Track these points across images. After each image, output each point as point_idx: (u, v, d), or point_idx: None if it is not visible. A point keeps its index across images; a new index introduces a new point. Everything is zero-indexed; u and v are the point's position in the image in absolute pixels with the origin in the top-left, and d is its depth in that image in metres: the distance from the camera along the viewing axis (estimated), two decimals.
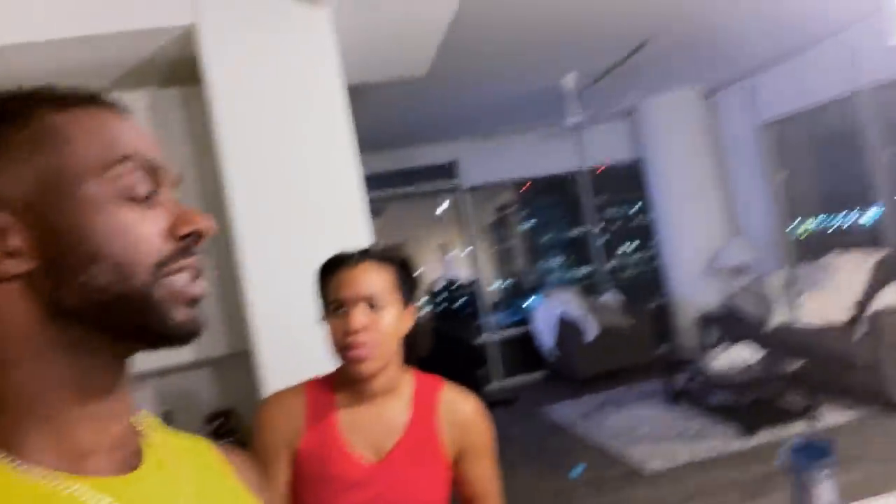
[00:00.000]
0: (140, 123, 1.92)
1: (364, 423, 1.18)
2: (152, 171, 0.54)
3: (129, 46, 2.10)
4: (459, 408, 1.24)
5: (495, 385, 6.70)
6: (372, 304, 1.15)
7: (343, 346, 1.14)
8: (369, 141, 5.80)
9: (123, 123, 0.54)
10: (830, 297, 4.72)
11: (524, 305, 7.57)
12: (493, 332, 7.01)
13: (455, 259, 8.83)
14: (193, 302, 0.54)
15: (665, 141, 6.39)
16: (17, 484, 0.47)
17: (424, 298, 8.86)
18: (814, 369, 4.14)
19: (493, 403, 5.92)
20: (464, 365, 6.19)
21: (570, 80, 4.80)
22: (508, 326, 7.24)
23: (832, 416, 4.05)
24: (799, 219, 5.99)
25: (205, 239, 0.55)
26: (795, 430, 3.96)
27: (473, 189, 7.07)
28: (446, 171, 6.91)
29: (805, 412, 4.07)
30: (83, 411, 0.51)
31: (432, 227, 8.95)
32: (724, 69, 5.66)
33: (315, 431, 1.17)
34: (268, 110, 2.15)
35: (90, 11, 1.97)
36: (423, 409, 1.22)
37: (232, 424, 2.29)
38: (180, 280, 0.53)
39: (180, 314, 0.52)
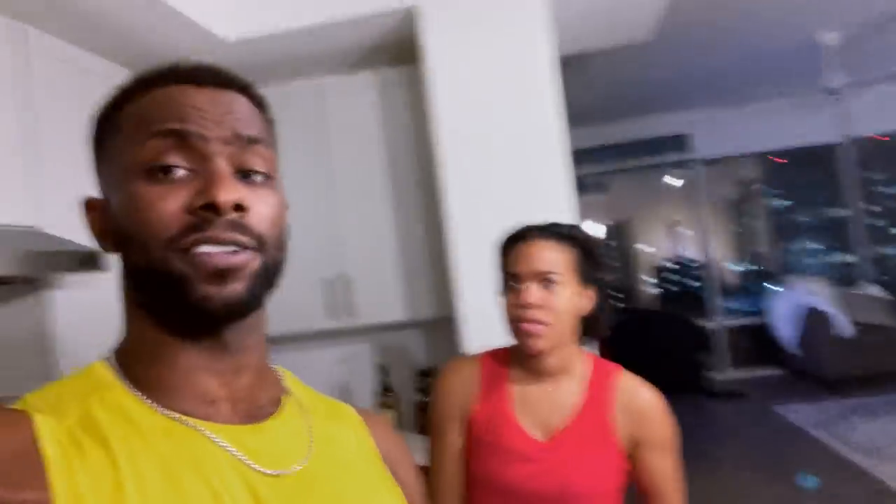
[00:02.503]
0: (367, 102, 2.06)
1: (535, 400, 1.18)
2: (184, 142, 0.53)
3: (355, 31, 2.30)
4: (637, 396, 1.18)
5: (722, 375, 6.19)
6: (547, 282, 1.13)
7: (515, 320, 1.15)
8: (596, 112, 5.67)
9: (171, 99, 0.54)
10: None
11: (764, 292, 6.83)
12: (724, 318, 6.46)
13: (686, 237, 8.26)
14: (219, 276, 0.52)
15: None
16: (147, 419, 0.53)
17: (652, 278, 8.46)
18: None
19: (717, 394, 5.50)
20: (686, 347, 5.81)
21: (828, 36, 4.13)
22: (744, 314, 6.61)
23: None
24: None
25: (225, 211, 0.51)
26: None
27: (709, 162, 6.52)
28: (678, 142, 6.46)
29: None
30: (194, 366, 0.55)
31: (662, 202, 8.46)
32: None
33: (488, 401, 1.19)
34: (480, 85, 2.21)
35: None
36: (598, 393, 1.18)
37: None
38: (202, 254, 0.51)
39: (203, 289, 0.51)
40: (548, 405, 1.17)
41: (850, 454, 3.86)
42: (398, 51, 2.48)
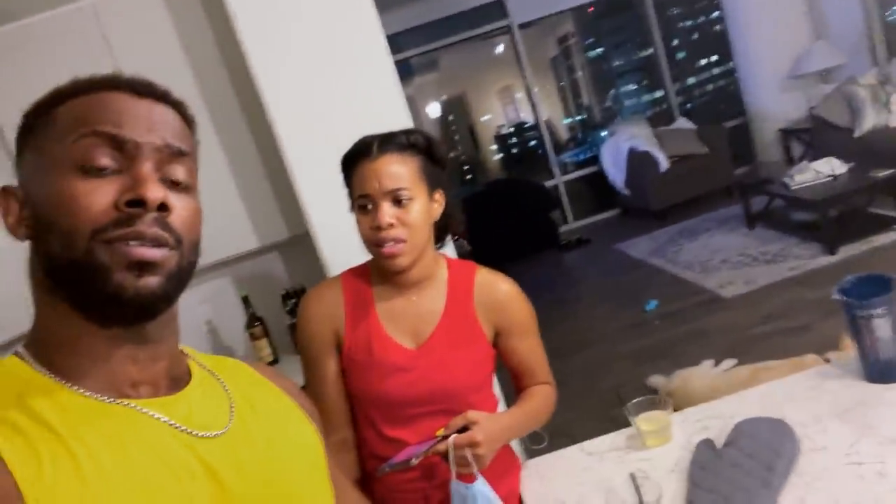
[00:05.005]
0: (156, 18, 1.83)
1: (402, 312, 1.21)
2: (117, 145, 0.56)
3: None
4: (494, 288, 1.24)
5: (567, 227, 6.69)
6: (399, 198, 1.12)
7: (373, 241, 1.14)
8: None
9: (109, 104, 0.57)
10: None
11: (597, 141, 7.30)
12: (562, 174, 6.89)
13: (519, 101, 8.51)
14: (138, 267, 0.54)
15: None
16: (80, 402, 0.55)
17: (494, 146, 8.73)
18: None
19: (568, 245, 5.97)
20: (537, 209, 6.18)
21: None
22: (582, 164, 7.07)
23: None
24: (893, 7, 5.28)
25: (150, 208, 0.55)
26: (883, 241, 3.78)
27: (527, 24, 6.63)
28: (496, 9, 6.47)
29: (895, 222, 3.85)
30: (115, 355, 0.58)
31: (492, 70, 8.56)
32: None
33: (356, 322, 1.20)
34: None
35: None
36: (459, 293, 1.22)
37: None
38: (124, 246, 0.54)
39: (120, 277, 0.54)
40: (414, 314, 1.20)
41: (681, 272, 4.42)
42: None
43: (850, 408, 1.14)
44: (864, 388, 1.19)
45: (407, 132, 1.20)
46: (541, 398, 1.27)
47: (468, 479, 1.04)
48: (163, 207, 0.56)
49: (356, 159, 1.16)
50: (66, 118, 0.57)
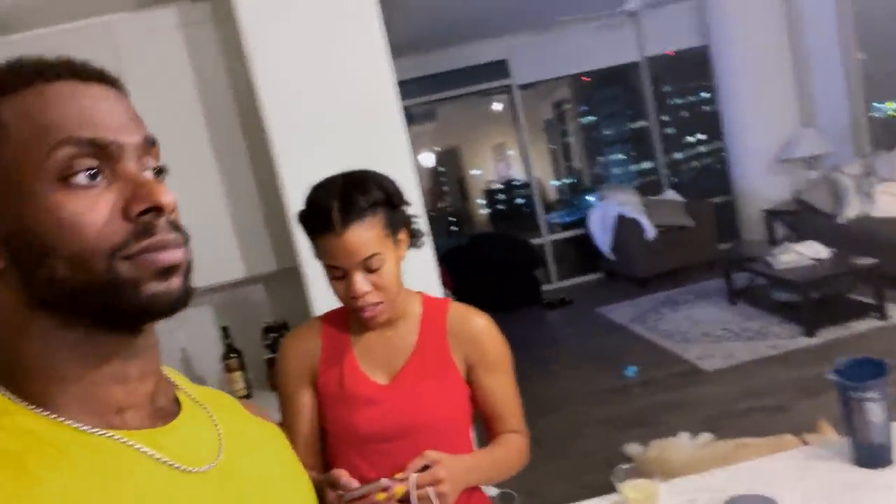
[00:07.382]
0: (169, 43, 1.83)
1: (376, 348, 1.22)
2: (99, 150, 0.50)
3: None
4: (468, 320, 1.24)
5: (550, 286, 6.71)
6: (371, 265, 1.11)
7: (351, 306, 1.15)
8: (417, 41, 5.61)
9: (67, 99, 0.51)
10: None
11: (582, 204, 7.42)
12: (549, 233, 6.95)
13: (511, 158, 8.65)
14: (167, 272, 0.52)
15: (735, 23, 5.86)
16: (59, 432, 0.50)
17: (483, 199, 8.82)
18: (887, 265, 3.93)
19: (549, 304, 5.97)
20: (521, 264, 6.20)
21: None
22: (568, 226, 7.14)
23: None
24: (878, 102, 5.50)
25: (166, 213, 0.52)
26: (861, 327, 3.83)
27: (526, 86, 6.80)
28: (498, 69, 6.64)
29: (873, 310, 3.91)
30: (102, 376, 0.53)
31: (487, 126, 8.73)
32: None
33: (331, 357, 1.22)
34: (298, 20, 2.07)
35: None
36: (432, 327, 1.23)
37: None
38: (145, 258, 0.51)
39: (152, 287, 0.51)
40: (388, 349, 1.21)
41: (661, 341, 4.42)
42: None
43: (839, 491, 1.12)
44: (853, 472, 1.17)
45: (363, 189, 1.12)
46: (509, 447, 1.25)
47: None
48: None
49: (318, 230, 1.12)
50: (22, 122, 0.49)
